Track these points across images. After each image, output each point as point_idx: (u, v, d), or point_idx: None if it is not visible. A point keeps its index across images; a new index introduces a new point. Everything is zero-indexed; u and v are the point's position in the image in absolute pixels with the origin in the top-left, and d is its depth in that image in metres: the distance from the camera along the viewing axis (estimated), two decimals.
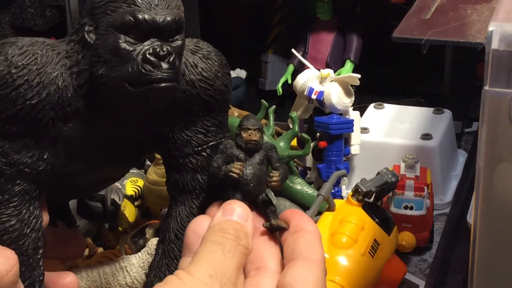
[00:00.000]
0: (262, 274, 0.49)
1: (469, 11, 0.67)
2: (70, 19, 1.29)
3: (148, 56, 0.56)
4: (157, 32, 0.57)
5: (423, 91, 1.27)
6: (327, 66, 1.18)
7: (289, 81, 1.19)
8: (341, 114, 1.00)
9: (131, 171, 0.99)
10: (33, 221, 0.61)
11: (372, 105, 1.14)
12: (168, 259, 0.65)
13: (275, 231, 0.53)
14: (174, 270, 0.48)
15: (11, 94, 0.57)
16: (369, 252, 0.79)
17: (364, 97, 1.23)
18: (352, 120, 0.99)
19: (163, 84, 0.56)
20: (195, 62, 0.63)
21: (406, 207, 0.91)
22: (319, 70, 1.04)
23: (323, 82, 1.01)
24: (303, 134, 0.97)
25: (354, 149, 1.01)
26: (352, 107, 1.01)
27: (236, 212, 0.50)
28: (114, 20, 0.56)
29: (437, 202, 0.98)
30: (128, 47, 0.56)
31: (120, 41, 0.56)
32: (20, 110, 0.57)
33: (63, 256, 0.70)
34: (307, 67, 1.07)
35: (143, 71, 0.56)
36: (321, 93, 0.99)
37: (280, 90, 1.21)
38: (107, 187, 0.84)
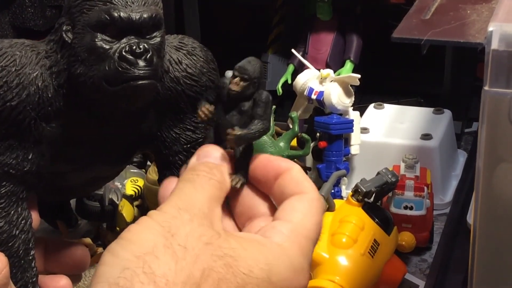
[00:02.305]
0: (255, 221, 0.46)
1: (469, 11, 0.67)
2: None
3: (124, 54, 0.55)
4: (133, 29, 0.56)
5: (423, 91, 1.27)
6: (327, 66, 1.18)
7: (289, 81, 1.19)
8: (341, 114, 1.00)
9: (131, 170, 0.99)
10: (22, 222, 0.61)
11: (372, 105, 1.14)
12: None
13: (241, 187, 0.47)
14: None
15: None
16: (369, 252, 0.79)
17: (364, 97, 1.23)
18: (352, 120, 0.99)
19: (140, 82, 0.56)
20: (180, 59, 0.63)
21: (406, 207, 0.91)
22: (319, 70, 1.04)
23: (323, 82, 1.01)
24: (303, 134, 0.97)
25: (354, 149, 1.01)
26: (352, 107, 1.01)
27: (211, 155, 0.47)
28: (90, 18, 0.56)
29: (437, 202, 0.98)
30: (104, 46, 0.56)
31: (96, 40, 0.56)
32: (1, 112, 0.57)
33: (67, 270, 0.69)
34: (307, 67, 1.07)
35: (120, 69, 0.55)
36: (321, 93, 0.99)
37: (280, 90, 1.21)
38: (102, 186, 0.84)
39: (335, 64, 1.19)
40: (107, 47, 0.56)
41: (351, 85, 0.99)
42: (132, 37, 0.56)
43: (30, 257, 0.62)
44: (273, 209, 0.47)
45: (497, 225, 0.60)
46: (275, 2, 1.33)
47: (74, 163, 0.64)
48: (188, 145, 0.65)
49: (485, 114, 0.56)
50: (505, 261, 0.61)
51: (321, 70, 1.03)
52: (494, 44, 0.54)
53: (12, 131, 0.58)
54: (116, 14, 0.55)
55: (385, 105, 1.14)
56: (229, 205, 0.47)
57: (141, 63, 0.55)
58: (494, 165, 0.58)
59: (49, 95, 0.59)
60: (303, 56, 1.18)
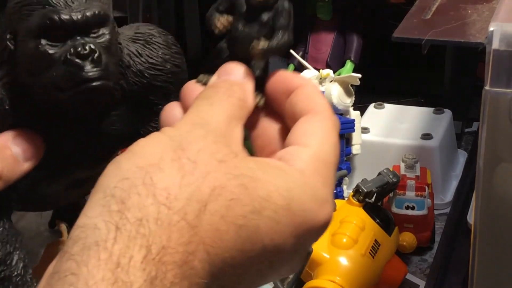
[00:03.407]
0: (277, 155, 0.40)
1: (469, 11, 0.67)
2: None
3: (69, 57, 0.52)
4: (77, 30, 0.53)
5: (423, 91, 1.27)
6: (328, 66, 1.18)
7: None
8: (341, 114, 1.00)
9: None
10: (13, 239, 0.58)
11: (372, 105, 1.14)
12: None
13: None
14: None
15: None
16: (369, 252, 0.79)
17: (364, 97, 1.22)
18: (353, 120, 0.99)
19: (91, 84, 0.53)
20: (139, 51, 0.60)
21: (407, 207, 0.91)
22: (318, 70, 1.04)
23: (322, 82, 1.01)
24: None
25: (356, 149, 1.01)
26: (352, 107, 1.01)
27: (233, 71, 0.42)
28: (30, 24, 0.53)
29: (437, 202, 0.98)
30: (49, 51, 0.53)
31: (40, 46, 0.53)
32: None
33: None
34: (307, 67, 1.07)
35: (68, 73, 0.52)
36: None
37: None
38: (88, 189, 0.82)
39: (336, 64, 1.19)
40: (52, 52, 0.53)
41: (351, 85, 0.99)
42: (78, 38, 0.53)
43: (30, 276, 0.59)
44: None
45: (497, 225, 0.60)
46: None
47: (48, 170, 0.60)
48: None
49: (485, 114, 0.56)
50: (505, 261, 0.61)
51: (321, 70, 1.03)
52: (495, 44, 0.54)
53: None
54: (56, 17, 0.52)
55: (385, 105, 1.14)
56: (249, 137, 0.43)
57: (88, 64, 0.52)
58: (494, 165, 0.58)
59: (6, 107, 0.56)
60: (303, 56, 1.18)
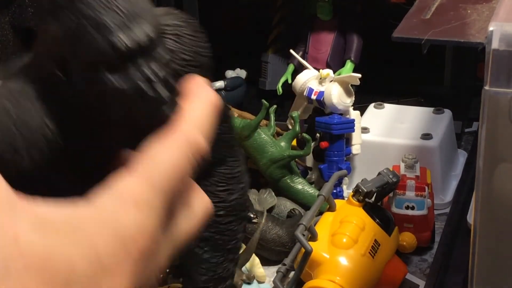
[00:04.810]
0: None
1: (469, 11, 0.67)
2: None
3: (143, 94, 0.48)
4: (138, 52, 0.51)
5: (423, 91, 1.27)
6: (328, 66, 1.18)
7: (289, 81, 1.19)
8: (341, 114, 1.00)
9: None
10: None
11: (372, 105, 1.14)
12: None
13: None
14: None
15: None
16: (369, 252, 0.79)
17: (364, 97, 1.22)
18: (353, 120, 0.99)
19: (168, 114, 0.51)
20: (170, 47, 0.51)
21: (407, 207, 0.91)
22: (318, 70, 1.04)
23: (322, 82, 1.01)
24: (304, 134, 0.97)
25: (355, 149, 1.01)
26: (352, 107, 1.01)
27: None
28: (84, 54, 0.47)
29: (437, 202, 0.98)
30: (116, 85, 0.51)
31: (103, 79, 0.49)
32: None
33: None
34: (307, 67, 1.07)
35: (147, 109, 0.50)
36: (321, 93, 0.99)
37: (280, 90, 1.21)
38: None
39: (336, 64, 1.19)
40: (119, 84, 0.50)
41: (351, 85, 0.99)
42: (139, 61, 0.45)
43: None
44: None
45: (497, 225, 0.60)
46: (275, 2, 1.33)
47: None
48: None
49: (485, 114, 0.56)
50: (505, 261, 0.61)
51: (321, 70, 1.03)
52: (495, 44, 0.54)
53: None
54: (116, 42, 0.43)
55: (385, 104, 1.14)
56: None
57: (164, 95, 0.48)
58: (494, 165, 0.58)
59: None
60: (303, 55, 1.18)
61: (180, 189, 0.39)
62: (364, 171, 1.00)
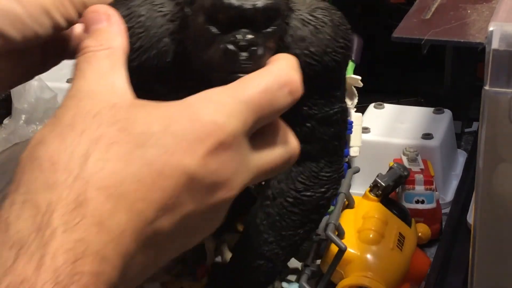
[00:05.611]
0: None
1: (469, 11, 0.67)
2: None
3: (228, 45, 0.52)
4: (244, 20, 0.52)
5: (423, 91, 1.27)
6: None
7: None
8: None
9: None
10: None
11: (372, 105, 1.14)
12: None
13: None
14: None
15: None
16: (397, 246, 0.79)
17: (364, 97, 1.22)
18: (351, 122, 0.99)
19: (238, 75, 0.51)
20: (303, 36, 0.58)
21: (417, 201, 0.91)
22: None
23: None
24: None
25: (353, 151, 1.01)
26: (355, 109, 1.01)
27: (99, 20, 0.48)
28: (204, 1, 0.52)
29: None
30: (212, 32, 0.52)
31: (206, 25, 0.52)
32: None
33: None
34: None
35: (223, 59, 0.52)
36: None
37: None
38: None
39: None
40: (215, 34, 0.52)
41: (354, 87, 0.99)
42: (243, 27, 0.52)
43: None
44: None
45: (497, 225, 0.60)
46: None
47: None
48: (304, 120, 0.61)
49: (485, 114, 0.56)
50: (505, 261, 0.61)
51: None
52: (495, 44, 0.54)
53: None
54: (226, 2, 0.51)
55: (385, 104, 1.14)
56: None
57: (244, 56, 0.51)
58: (494, 165, 0.58)
59: (167, 60, 0.57)
60: None
61: (268, 113, 0.43)
62: (364, 171, 1.00)
